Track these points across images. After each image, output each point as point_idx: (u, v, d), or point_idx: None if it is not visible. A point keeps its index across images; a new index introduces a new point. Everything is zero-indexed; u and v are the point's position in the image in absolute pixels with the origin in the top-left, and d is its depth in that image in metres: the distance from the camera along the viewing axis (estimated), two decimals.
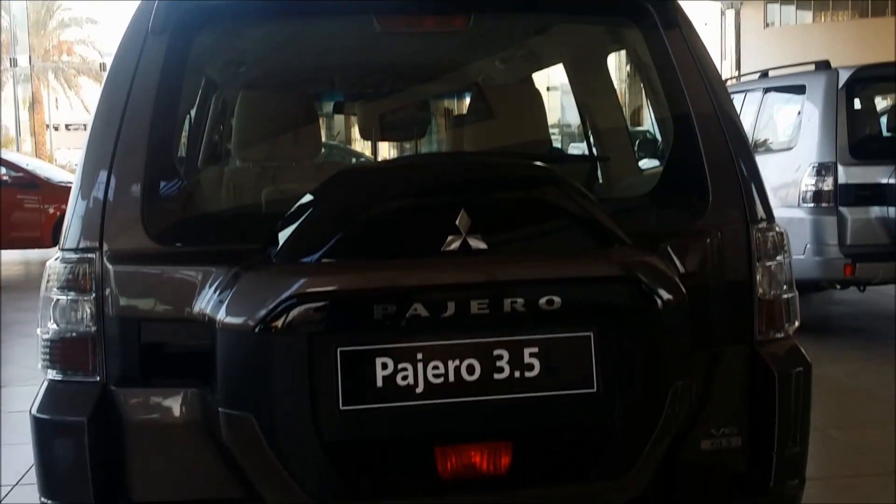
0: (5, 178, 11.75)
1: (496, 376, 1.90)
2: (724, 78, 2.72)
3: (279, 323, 1.80)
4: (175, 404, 2.00)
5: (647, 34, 2.41)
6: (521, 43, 3.59)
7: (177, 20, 2.15)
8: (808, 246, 6.18)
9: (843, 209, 6.15)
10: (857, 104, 6.67)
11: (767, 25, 37.68)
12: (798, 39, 33.83)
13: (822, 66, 6.67)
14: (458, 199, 1.92)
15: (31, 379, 2.12)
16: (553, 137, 4.25)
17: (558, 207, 1.98)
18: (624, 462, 1.94)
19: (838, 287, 6.69)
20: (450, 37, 3.02)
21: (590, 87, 3.65)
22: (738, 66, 32.39)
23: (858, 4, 35.91)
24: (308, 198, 2.03)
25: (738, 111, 7.18)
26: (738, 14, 35.46)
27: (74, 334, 2.00)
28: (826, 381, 5.22)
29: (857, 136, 6.35)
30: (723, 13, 35.90)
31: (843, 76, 6.37)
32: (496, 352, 1.90)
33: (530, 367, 1.91)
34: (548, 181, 2.03)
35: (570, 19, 2.89)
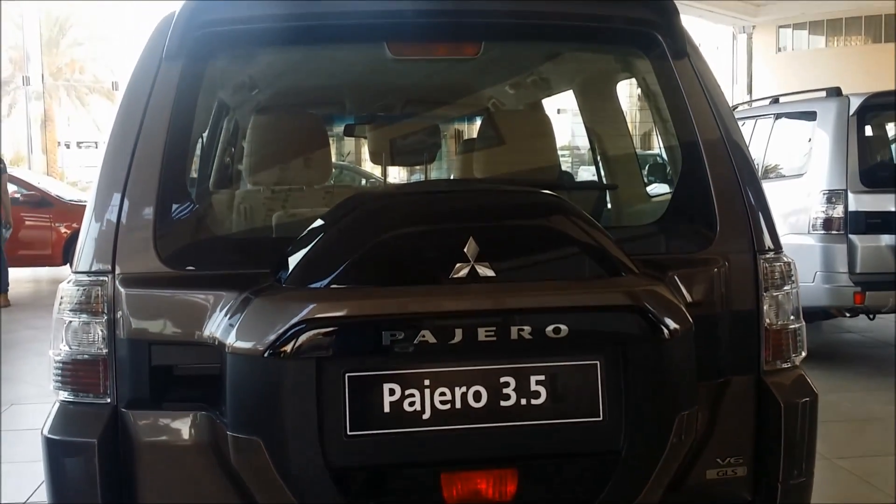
0: (17, 195, 11.84)
1: (503, 403, 1.90)
2: (735, 103, 2.73)
3: (288, 348, 1.82)
4: (184, 427, 2.01)
5: (656, 64, 2.43)
6: (531, 70, 3.62)
7: (190, 47, 2.18)
8: (817, 273, 6.16)
9: (854, 237, 6.13)
10: (868, 131, 6.66)
11: (779, 50, 37.74)
12: (810, 64, 33.84)
13: (833, 92, 6.67)
14: (466, 227, 1.94)
15: (42, 397, 2.13)
16: (563, 159, 4.28)
17: (566, 236, 1.99)
18: (629, 490, 1.94)
19: (847, 315, 6.66)
20: (461, 63, 3.04)
21: (599, 114, 3.67)
22: (750, 91, 32.36)
23: (871, 30, 35.92)
24: (318, 223, 2.05)
25: (749, 137, 7.24)
26: (750, 38, 35.50)
27: (86, 356, 2.02)
28: (833, 409, 5.20)
29: (867, 164, 6.35)
30: (734, 37, 35.91)
31: (854, 103, 6.38)
32: (503, 379, 1.91)
33: (536, 394, 1.92)
34: (555, 209, 2.04)
35: (580, 48, 2.91)
